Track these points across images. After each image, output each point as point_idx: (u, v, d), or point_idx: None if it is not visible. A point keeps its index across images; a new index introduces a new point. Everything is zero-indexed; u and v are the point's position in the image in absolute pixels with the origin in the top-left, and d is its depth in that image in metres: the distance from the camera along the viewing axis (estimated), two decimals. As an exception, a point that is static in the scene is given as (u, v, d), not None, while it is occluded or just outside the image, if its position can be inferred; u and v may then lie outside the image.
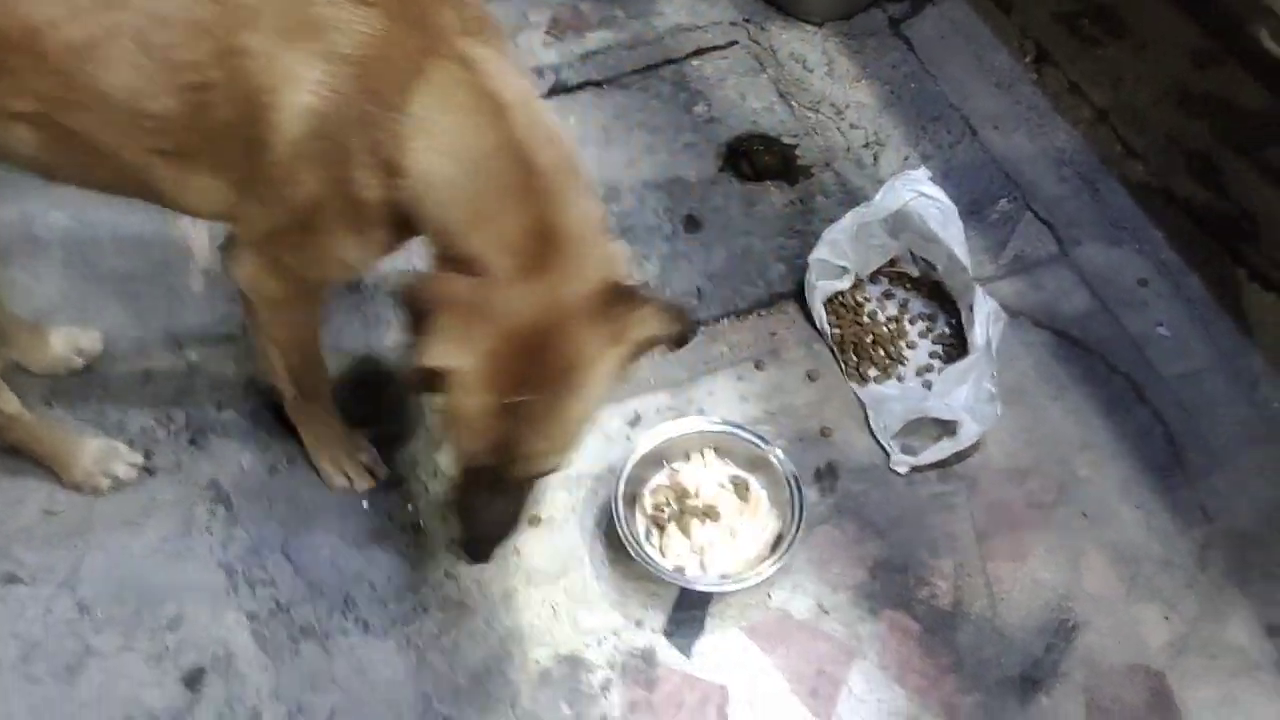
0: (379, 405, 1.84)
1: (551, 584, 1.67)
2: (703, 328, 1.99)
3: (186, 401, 1.82)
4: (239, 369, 1.87)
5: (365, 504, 1.73)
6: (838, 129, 2.32)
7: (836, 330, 1.98)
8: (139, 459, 1.71)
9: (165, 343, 1.90)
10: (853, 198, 2.15)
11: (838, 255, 1.99)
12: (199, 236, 2.06)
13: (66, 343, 1.82)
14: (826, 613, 1.66)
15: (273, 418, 1.80)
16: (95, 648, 1.56)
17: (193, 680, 1.54)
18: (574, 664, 1.60)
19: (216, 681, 1.54)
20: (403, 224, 1.27)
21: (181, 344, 1.90)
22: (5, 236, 2.01)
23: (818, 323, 1.97)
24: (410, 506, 1.74)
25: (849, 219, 1.99)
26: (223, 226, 2.06)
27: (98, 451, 1.69)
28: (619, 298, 1.22)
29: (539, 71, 2.38)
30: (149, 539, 1.66)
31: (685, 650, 1.61)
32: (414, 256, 1.48)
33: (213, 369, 1.87)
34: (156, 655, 1.55)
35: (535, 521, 1.73)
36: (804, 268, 2.00)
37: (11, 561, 1.62)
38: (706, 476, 1.76)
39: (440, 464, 1.78)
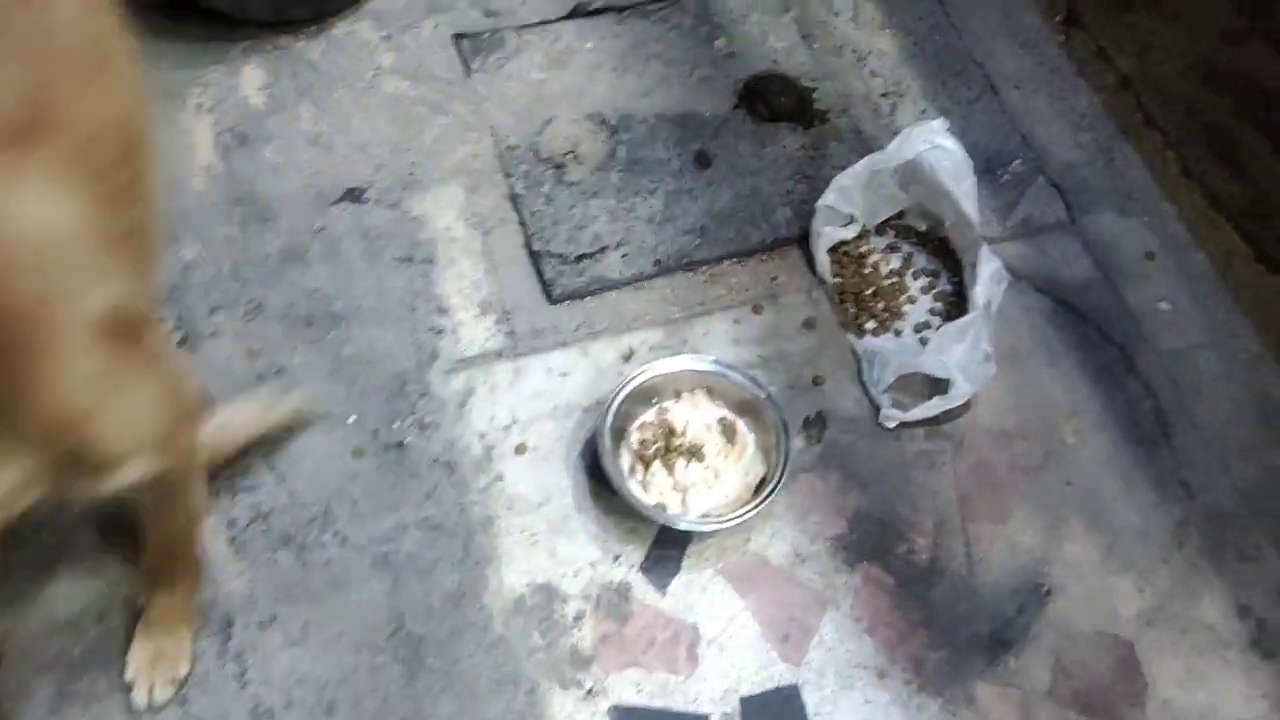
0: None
1: (532, 512, 1.67)
2: (703, 268, 1.97)
3: (179, 301, 1.81)
4: (234, 271, 1.85)
5: (352, 418, 1.73)
6: (858, 76, 2.28)
7: (838, 280, 1.96)
8: None
9: (161, 239, 1.87)
10: (866, 146, 2.12)
11: (846, 203, 1.97)
12: (203, 132, 2.03)
13: None
14: (803, 561, 1.67)
15: (264, 323, 1.80)
16: (73, 543, 1.56)
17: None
18: (549, 593, 1.61)
19: (194, 585, 1.54)
20: None
21: (178, 240, 1.87)
22: None
23: (819, 271, 1.95)
24: (396, 424, 1.73)
25: (861, 166, 1.97)
26: (228, 121, 2.05)
27: None
28: None
29: (560, -9, 2.33)
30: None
31: (660, 588, 1.63)
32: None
33: (208, 268, 1.85)
34: (131, 557, 1.55)
35: (521, 450, 1.73)
36: (811, 213, 1.97)
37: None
38: (695, 416, 1.76)
39: (431, 382, 1.78)
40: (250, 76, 2.12)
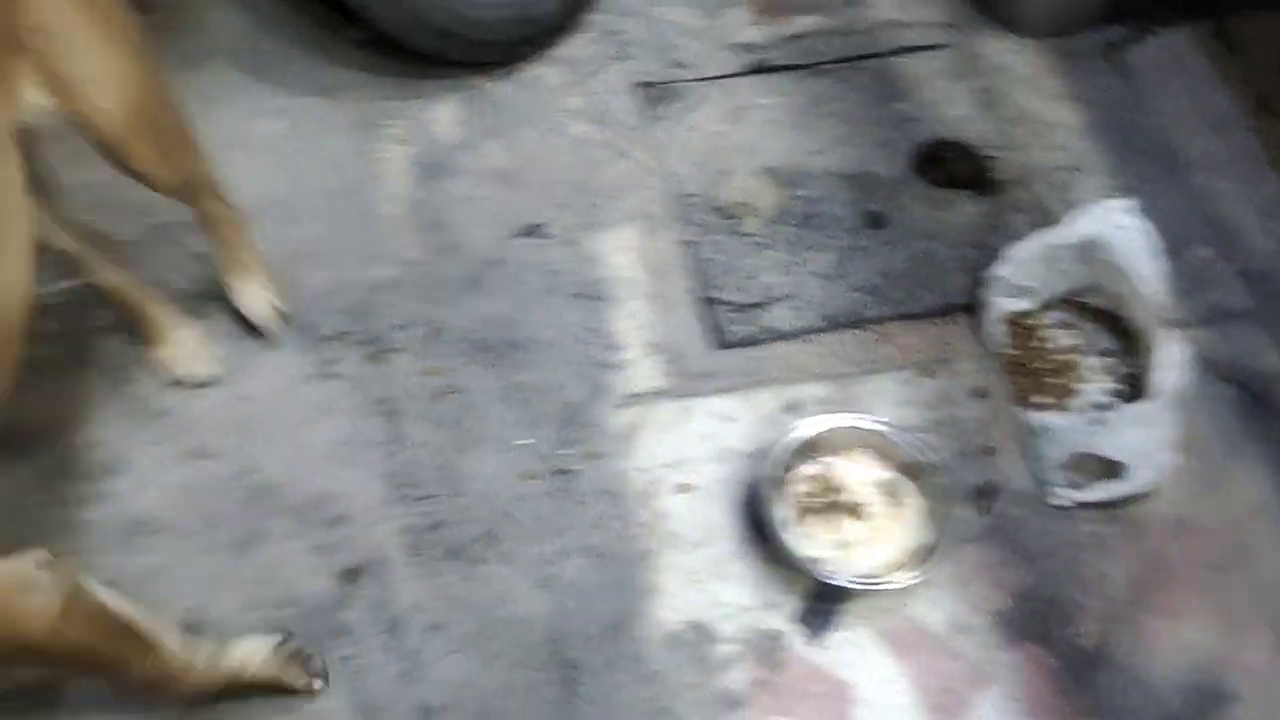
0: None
1: (691, 551, 1.68)
2: (873, 327, 1.97)
3: (369, 317, 1.90)
4: (419, 293, 1.93)
5: (523, 442, 1.77)
6: (1038, 147, 2.25)
7: (1010, 351, 1.93)
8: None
9: (355, 258, 1.98)
10: (1044, 219, 2.09)
11: (1021, 275, 1.94)
12: (397, 161, 2.13)
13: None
14: (963, 632, 1.63)
15: (444, 344, 1.87)
16: (266, 530, 1.64)
17: (348, 577, 1.61)
18: (703, 633, 1.61)
19: (370, 583, 1.60)
20: None
21: (369, 262, 1.97)
22: (224, 136, 2.11)
23: (991, 340, 1.93)
24: (564, 451, 1.77)
25: (1037, 240, 1.94)
26: (422, 153, 2.15)
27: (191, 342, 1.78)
28: None
29: (742, 49, 2.39)
30: (323, 440, 1.74)
31: (815, 641, 1.61)
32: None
33: (395, 289, 1.94)
34: (319, 548, 1.63)
35: (684, 489, 1.74)
36: (984, 282, 1.96)
37: (200, 440, 1.72)
38: (859, 474, 1.75)
39: (600, 414, 1.81)
40: (445, 113, 2.23)
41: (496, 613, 1.60)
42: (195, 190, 1.67)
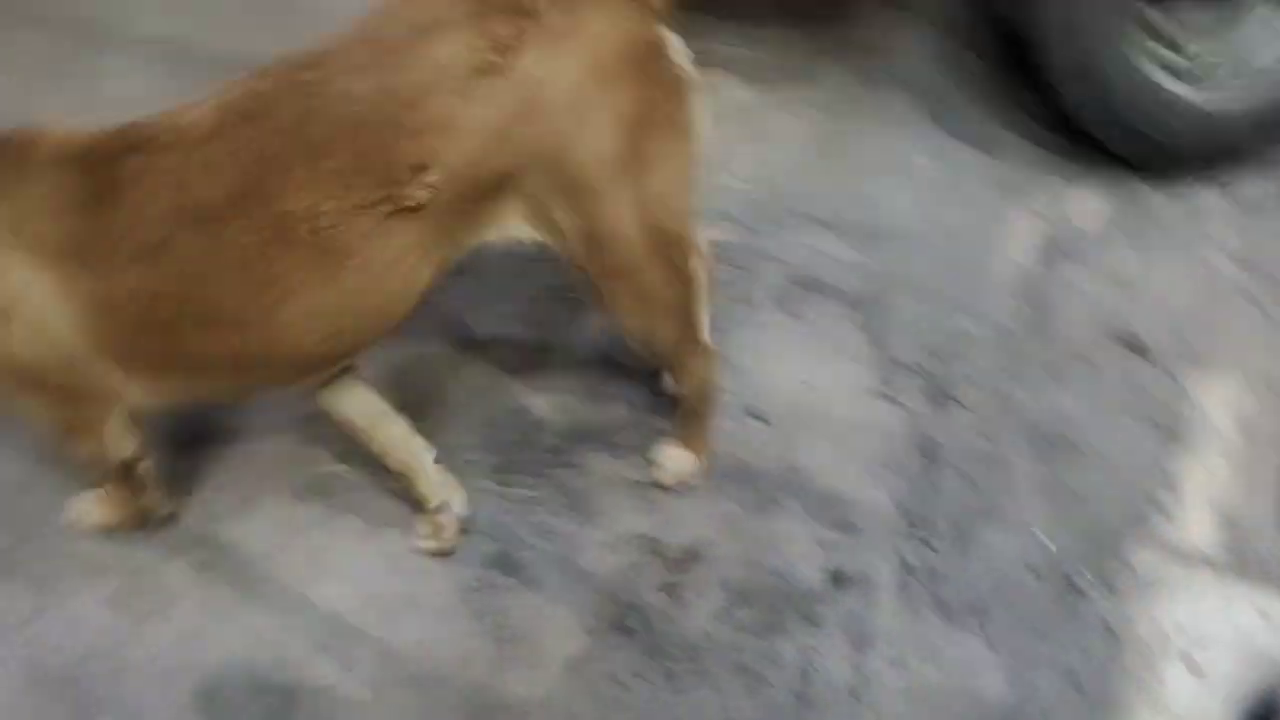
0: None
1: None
2: None
3: (945, 362, 1.97)
4: (998, 359, 1.96)
5: (1043, 539, 1.75)
6: None
7: None
8: None
9: (952, 303, 2.06)
10: None
11: None
12: (1024, 230, 2.18)
13: None
14: None
15: (1007, 417, 1.88)
16: (782, 504, 1.80)
17: (836, 579, 1.71)
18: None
19: (855, 594, 1.69)
20: None
21: (963, 312, 2.04)
22: (881, 159, 2.30)
23: None
24: (1079, 566, 1.72)
25: None
26: (1052, 231, 2.15)
27: None
28: None
29: None
30: (861, 450, 1.85)
31: None
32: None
33: (978, 345, 2.00)
34: (821, 541, 1.75)
35: (1193, 666, 1.62)
36: None
37: (759, 403, 1.92)
38: None
39: (1130, 548, 1.73)
40: (1090, 202, 2.23)
41: (959, 681, 1.61)
42: (677, 356, 1.67)
